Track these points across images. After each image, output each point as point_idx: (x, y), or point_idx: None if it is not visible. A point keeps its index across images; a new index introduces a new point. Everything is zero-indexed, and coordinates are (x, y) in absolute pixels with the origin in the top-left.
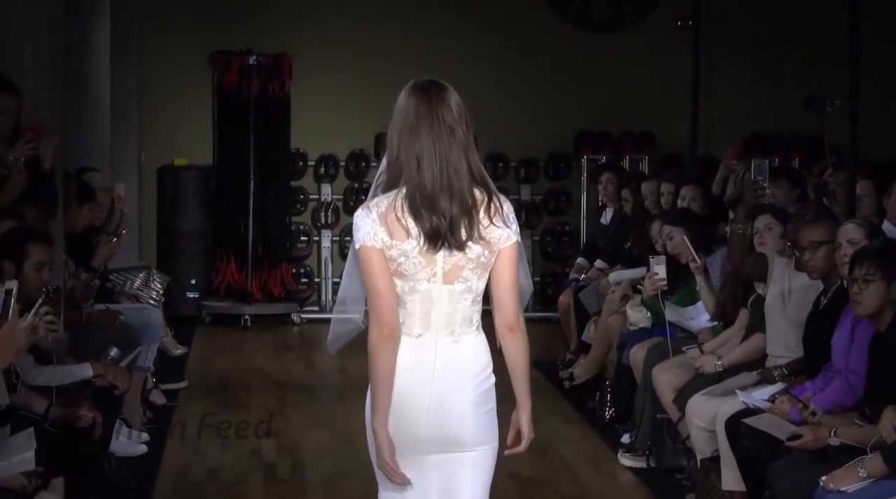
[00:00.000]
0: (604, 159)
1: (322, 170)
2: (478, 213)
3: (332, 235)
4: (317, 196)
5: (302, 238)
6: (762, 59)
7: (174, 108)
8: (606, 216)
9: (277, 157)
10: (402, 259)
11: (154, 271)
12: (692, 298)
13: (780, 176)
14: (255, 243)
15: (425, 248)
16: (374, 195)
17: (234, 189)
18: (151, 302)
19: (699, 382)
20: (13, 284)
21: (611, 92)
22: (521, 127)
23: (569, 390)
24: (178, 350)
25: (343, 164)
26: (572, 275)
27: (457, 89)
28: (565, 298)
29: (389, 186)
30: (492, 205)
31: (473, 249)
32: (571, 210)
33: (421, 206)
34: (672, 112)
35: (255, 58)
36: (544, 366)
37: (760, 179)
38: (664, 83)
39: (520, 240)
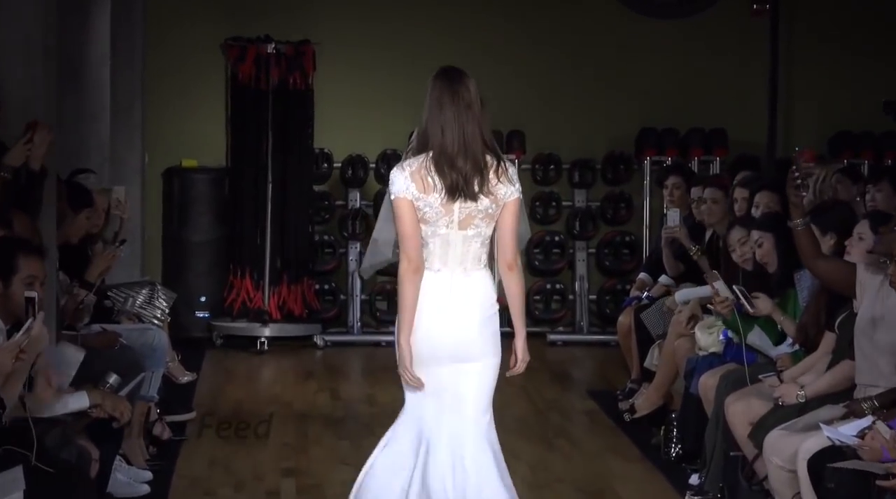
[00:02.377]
0: (669, 161)
1: (349, 173)
2: (488, 172)
3: (361, 247)
4: (343, 202)
5: (326, 250)
6: (849, 48)
7: (182, 102)
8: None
9: (299, 158)
10: (427, 208)
11: (159, 287)
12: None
13: (882, 179)
14: (274, 256)
15: (445, 199)
16: (406, 159)
17: (250, 194)
18: (155, 322)
19: (778, 414)
20: None
21: (677, 84)
22: (575, 124)
23: (629, 423)
24: (186, 377)
25: (373, 166)
26: (633, 292)
27: (501, 82)
28: (625, 319)
29: (419, 150)
30: (499, 167)
31: (483, 201)
32: (632, 218)
33: (444, 164)
34: (747, 107)
35: (273, 46)
36: (601, 396)
37: (793, 168)
38: (738, 75)
39: (520, 196)
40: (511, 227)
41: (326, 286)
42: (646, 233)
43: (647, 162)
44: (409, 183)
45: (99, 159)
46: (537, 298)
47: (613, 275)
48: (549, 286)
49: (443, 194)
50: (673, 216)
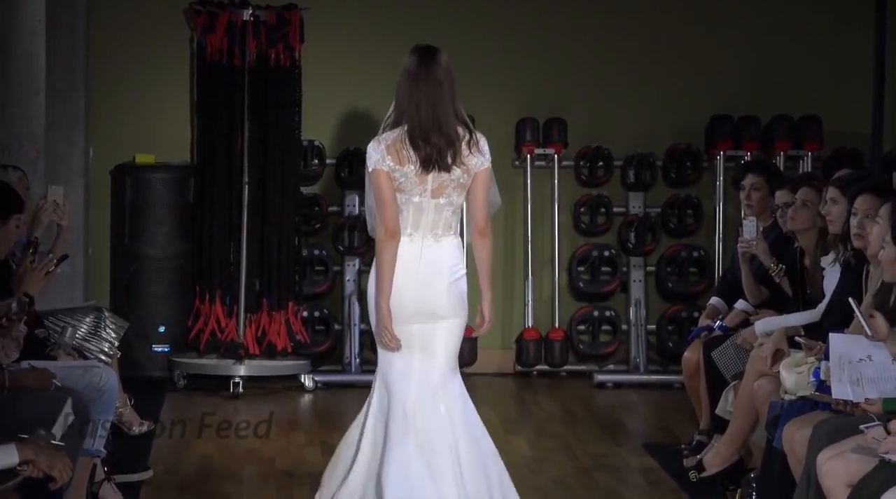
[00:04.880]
0: (748, 156)
1: (345, 171)
2: (460, 145)
3: (360, 264)
4: (338, 208)
5: (317, 268)
6: None
7: (136, 83)
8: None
9: (282, 153)
10: (403, 179)
11: (106, 314)
12: None
13: None
14: (251, 276)
15: (420, 171)
16: (383, 132)
17: (222, 198)
18: (102, 358)
19: (886, 474)
20: None
21: (758, 61)
22: (629, 111)
23: (696, 484)
24: (141, 427)
25: None
26: (703, 322)
27: (536, 58)
28: (692, 356)
29: (395, 124)
30: (471, 139)
31: (456, 171)
32: (702, 229)
33: (419, 138)
34: (846, 89)
35: (251, 12)
36: (661, 451)
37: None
38: (835, 49)
39: (490, 166)
40: (482, 195)
41: (317, 313)
42: (718, 247)
43: (720, 158)
44: (385, 156)
45: (32, 154)
46: (581, 328)
47: (678, 300)
48: (596, 313)
49: (418, 166)
50: (749, 227)
